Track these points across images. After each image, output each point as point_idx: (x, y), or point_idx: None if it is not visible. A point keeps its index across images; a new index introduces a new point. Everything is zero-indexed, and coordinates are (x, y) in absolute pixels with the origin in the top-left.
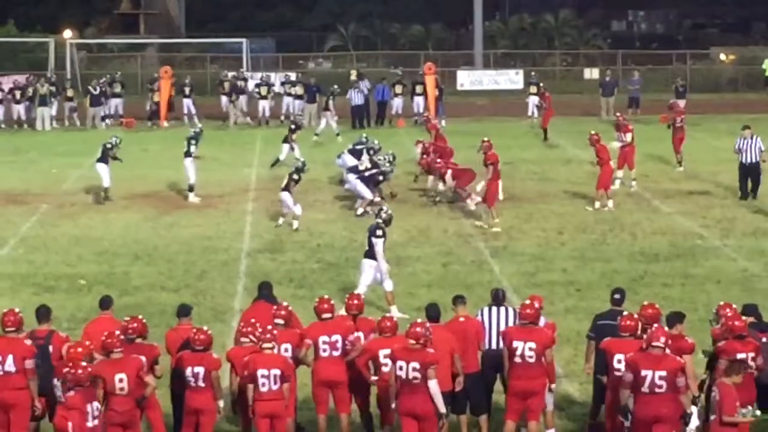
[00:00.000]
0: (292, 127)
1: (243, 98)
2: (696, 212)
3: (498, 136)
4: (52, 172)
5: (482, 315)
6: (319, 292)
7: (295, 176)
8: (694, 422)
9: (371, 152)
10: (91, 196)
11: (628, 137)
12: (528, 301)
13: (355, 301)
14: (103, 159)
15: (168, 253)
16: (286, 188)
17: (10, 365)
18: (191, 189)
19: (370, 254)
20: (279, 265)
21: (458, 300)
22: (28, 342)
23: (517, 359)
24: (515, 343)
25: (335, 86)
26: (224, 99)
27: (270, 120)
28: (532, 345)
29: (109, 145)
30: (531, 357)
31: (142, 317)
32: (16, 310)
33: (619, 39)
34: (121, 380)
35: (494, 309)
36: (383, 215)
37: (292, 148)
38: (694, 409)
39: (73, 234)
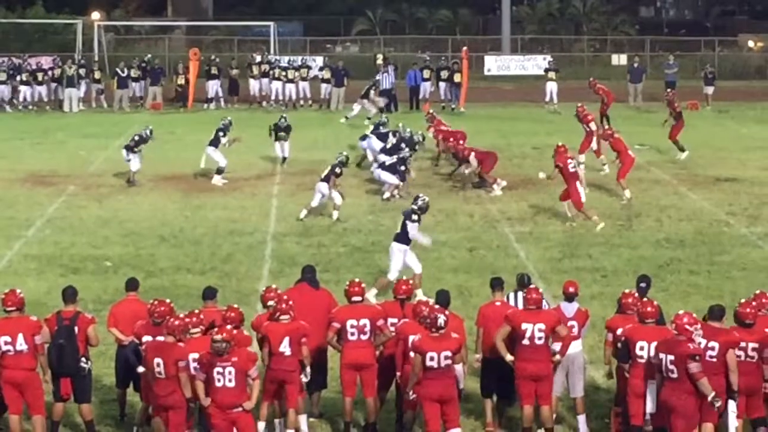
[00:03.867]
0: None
1: (270, 82)
2: (723, 199)
3: (524, 121)
4: (80, 153)
5: (508, 300)
6: (345, 276)
7: (337, 170)
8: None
9: (396, 134)
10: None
11: (592, 126)
12: (533, 287)
13: (404, 287)
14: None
15: (194, 236)
16: (326, 179)
17: (21, 344)
18: (219, 171)
19: (401, 238)
20: (305, 249)
21: (496, 284)
22: (34, 318)
23: (526, 342)
24: (524, 326)
25: (377, 77)
26: (252, 82)
27: (296, 103)
28: (542, 326)
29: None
30: (540, 339)
31: (170, 300)
32: (17, 290)
33: (647, 25)
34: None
35: (520, 294)
36: (420, 203)
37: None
38: (732, 404)
39: (99, 215)
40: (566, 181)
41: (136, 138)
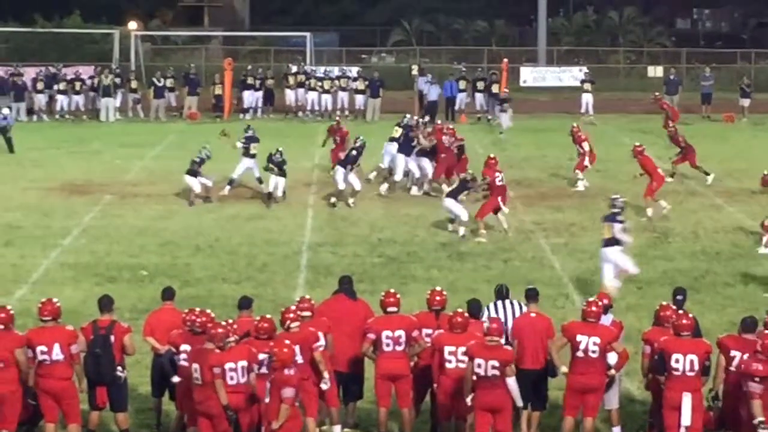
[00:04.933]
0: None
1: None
2: (759, 212)
3: (559, 132)
4: (116, 163)
5: (488, 311)
6: (380, 287)
7: (354, 153)
8: None
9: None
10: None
11: (585, 147)
12: (592, 299)
13: (438, 297)
14: (191, 172)
15: (230, 245)
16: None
17: (57, 353)
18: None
19: (611, 242)
20: (340, 259)
21: (530, 295)
22: (70, 327)
23: (580, 354)
24: (579, 337)
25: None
26: (288, 92)
27: (332, 113)
28: (597, 340)
29: (197, 163)
30: (595, 352)
31: (210, 310)
32: (54, 300)
33: (683, 37)
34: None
35: (500, 304)
36: (619, 203)
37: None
38: None
39: (135, 225)
40: (491, 192)
41: (197, 160)
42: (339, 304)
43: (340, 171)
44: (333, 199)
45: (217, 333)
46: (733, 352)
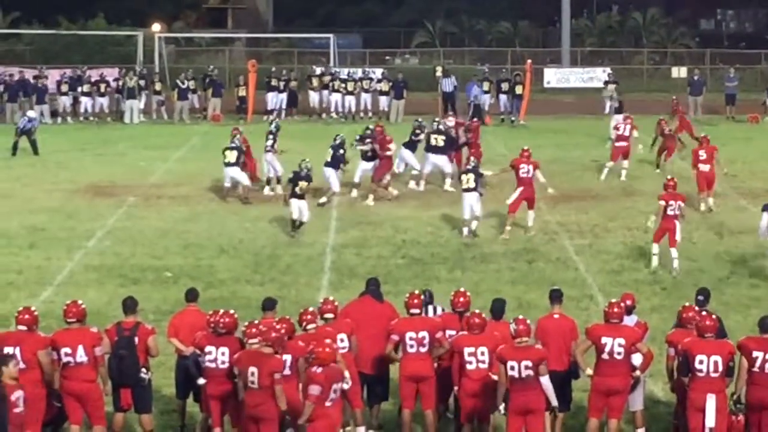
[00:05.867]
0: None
1: (330, 93)
2: None
3: (583, 134)
4: (140, 164)
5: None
6: (404, 288)
7: (341, 151)
8: None
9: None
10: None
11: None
12: (615, 300)
13: (461, 299)
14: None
15: (254, 247)
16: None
17: (81, 356)
18: (278, 181)
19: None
20: (364, 260)
21: (554, 296)
22: (94, 329)
23: (605, 356)
24: (604, 339)
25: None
26: (312, 94)
27: (356, 115)
28: (622, 341)
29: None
30: (620, 354)
31: (234, 311)
32: (79, 302)
33: (707, 38)
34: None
35: (431, 308)
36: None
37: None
38: None
39: (159, 227)
40: (517, 183)
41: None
42: (365, 305)
43: (332, 172)
44: (323, 199)
45: (273, 337)
46: (755, 353)
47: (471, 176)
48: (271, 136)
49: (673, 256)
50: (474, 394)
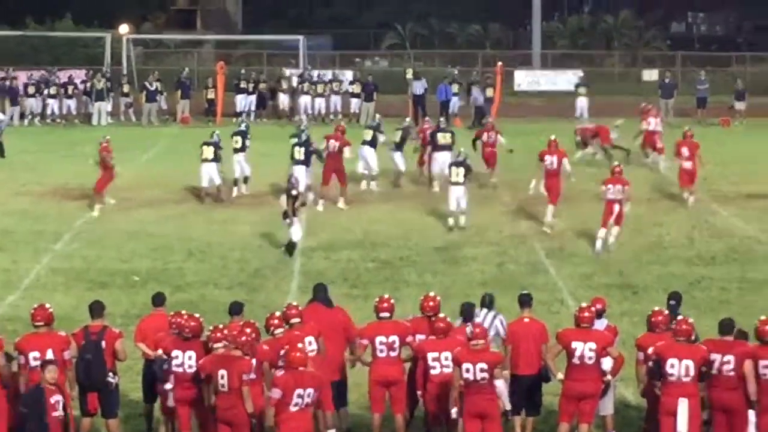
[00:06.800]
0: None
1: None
2: (754, 216)
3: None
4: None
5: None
6: (374, 292)
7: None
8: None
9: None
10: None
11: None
12: (585, 304)
13: (431, 303)
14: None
15: (222, 250)
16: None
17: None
18: (245, 181)
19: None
20: (333, 264)
21: (524, 300)
22: (63, 333)
23: (576, 360)
24: (574, 344)
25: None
26: (282, 96)
27: (326, 117)
28: (592, 345)
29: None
30: (591, 358)
31: (199, 315)
32: (47, 305)
33: (678, 40)
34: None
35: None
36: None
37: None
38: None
39: (127, 230)
40: (544, 175)
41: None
42: (315, 313)
43: (302, 170)
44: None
45: (242, 341)
46: (713, 356)
47: (461, 170)
48: (240, 137)
49: (612, 233)
50: (439, 398)
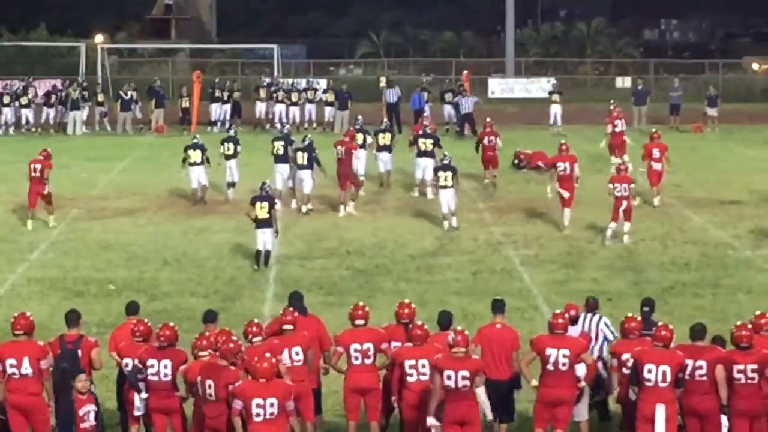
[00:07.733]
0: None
1: (274, 104)
2: (727, 222)
3: (528, 144)
4: (82, 176)
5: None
6: (349, 299)
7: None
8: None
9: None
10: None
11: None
12: (559, 311)
13: (406, 310)
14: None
15: (197, 259)
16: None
17: (26, 368)
18: (233, 186)
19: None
20: (308, 272)
21: (497, 306)
22: (41, 342)
23: (550, 367)
24: (548, 350)
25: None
26: (258, 104)
27: (300, 126)
28: (566, 352)
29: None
30: (565, 365)
31: (174, 324)
32: (28, 314)
33: (651, 48)
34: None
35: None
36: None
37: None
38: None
39: (102, 239)
40: (558, 180)
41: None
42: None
43: (307, 174)
44: (309, 206)
45: (229, 348)
46: (686, 361)
47: (448, 173)
48: (231, 143)
49: (625, 229)
50: (416, 406)
